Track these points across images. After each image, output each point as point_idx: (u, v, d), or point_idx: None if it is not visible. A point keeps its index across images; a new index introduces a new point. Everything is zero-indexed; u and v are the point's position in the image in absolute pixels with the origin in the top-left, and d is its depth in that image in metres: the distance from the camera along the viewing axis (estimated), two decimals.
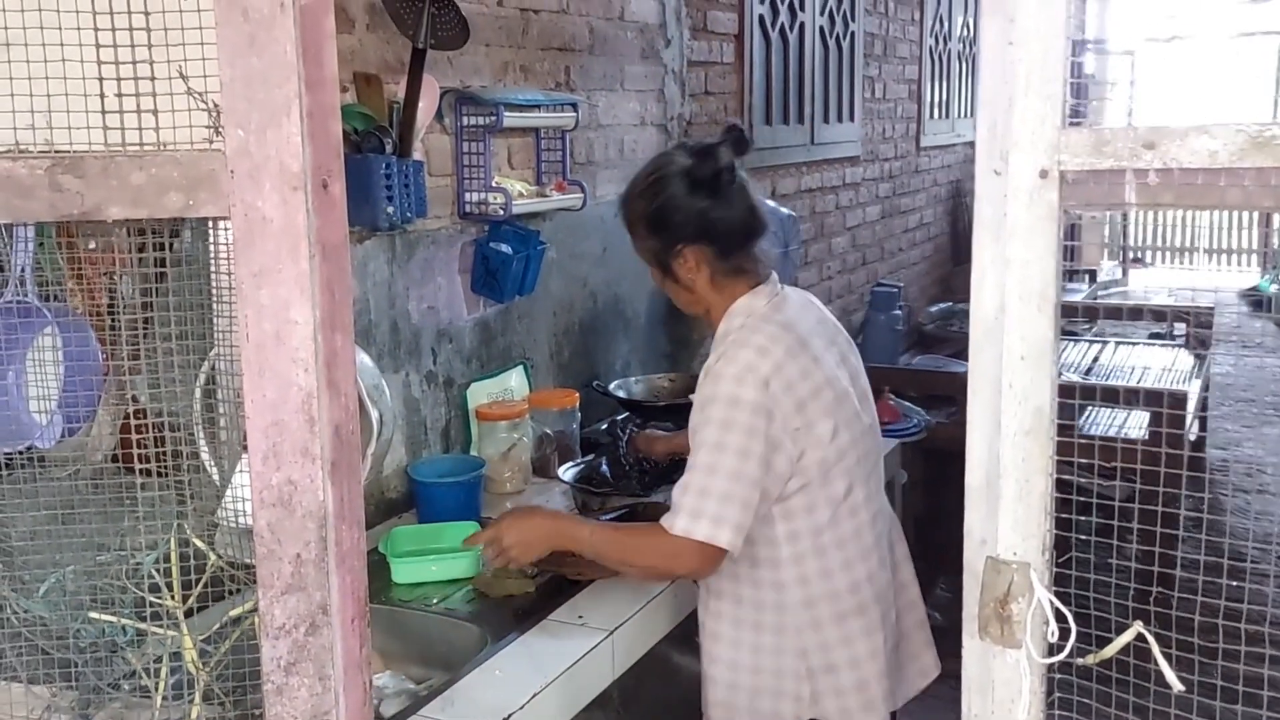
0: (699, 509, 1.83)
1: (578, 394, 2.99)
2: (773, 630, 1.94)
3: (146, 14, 1.17)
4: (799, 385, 1.88)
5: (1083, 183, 0.90)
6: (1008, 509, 0.99)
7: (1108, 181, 0.89)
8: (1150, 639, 0.99)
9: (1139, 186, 0.87)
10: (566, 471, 2.65)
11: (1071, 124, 0.90)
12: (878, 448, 2.10)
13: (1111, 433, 4.36)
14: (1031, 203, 0.92)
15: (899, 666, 2.06)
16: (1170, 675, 1.00)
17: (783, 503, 1.90)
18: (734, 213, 1.98)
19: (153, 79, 1.17)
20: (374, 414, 1.68)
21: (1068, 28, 0.89)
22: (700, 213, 1.96)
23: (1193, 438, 5.06)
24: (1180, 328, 5.82)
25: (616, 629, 2.00)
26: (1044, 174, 0.91)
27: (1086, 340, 5.60)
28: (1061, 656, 1.02)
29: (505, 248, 2.78)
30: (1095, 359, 5.29)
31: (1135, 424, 4.47)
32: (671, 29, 3.67)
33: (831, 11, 4.95)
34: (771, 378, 1.85)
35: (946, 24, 6.68)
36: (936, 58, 6.57)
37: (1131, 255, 12.38)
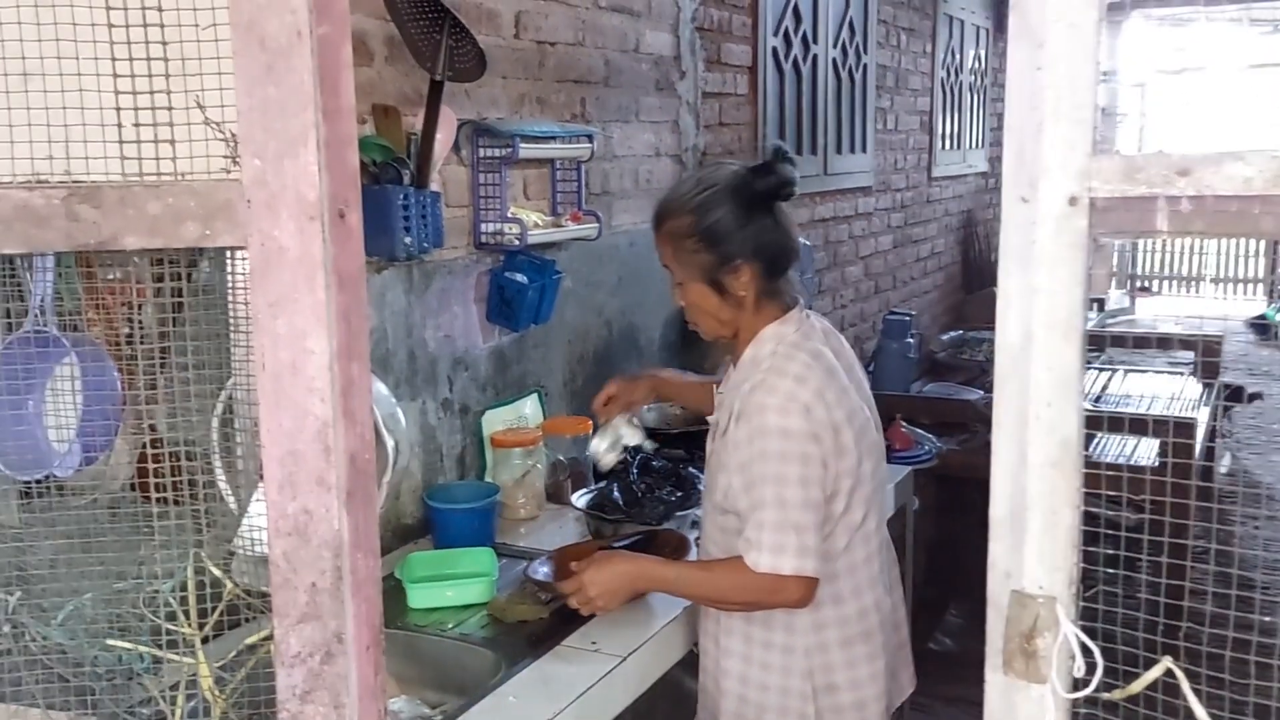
0: (781, 544, 1.85)
1: (591, 421, 2.98)
2: (781, 650, 1.96)
3: (164, 44, 1.17)
4: (835, 411, 1.90)
5: (1113, 210, 0.89)
6: (1033, 542, 0.97)
7: (1139, 209, 0.88)
8: (1179, 674, 0.97)
9: (1171, 214, 0.86)
10: (580, 498, 2.65)
11: (1100, 151, 0.89)
12: (886, 477, 2.15)
13: (1121, 461, 4.33)
14: (1059, 230, 0.91)
15: (892, 687, 2.09)
16: (1200, 712, 0.97)
17: None
18: (786, 233, 2.00)
19: (170, 109, 1.17)
20: (389, 443, 1.67)
21: (1097, 53, 0.88)
22: (760, 229, 1.96)
23: (1202, 464, 5.03)
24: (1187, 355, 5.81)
25: (630, 655, 1.99)
26: (1073, 201, 0.90)
27: (1095, 368, 5.58)
28: (1088, 692, 1.00)
29: (521, 277, 2.79)
30: (1104, 387, 5.26)
31: (1145, 452, 4.44)
32: (686, 61, 3.69)
33: (844, 44, 4.98)
34: (812, 404, 1.87)
35: (958, 56, 6.71)
36: (948, 90, 6.60)
37: (1139, 284, 12.37)
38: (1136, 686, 0.98)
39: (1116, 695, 1.01)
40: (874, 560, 2.02)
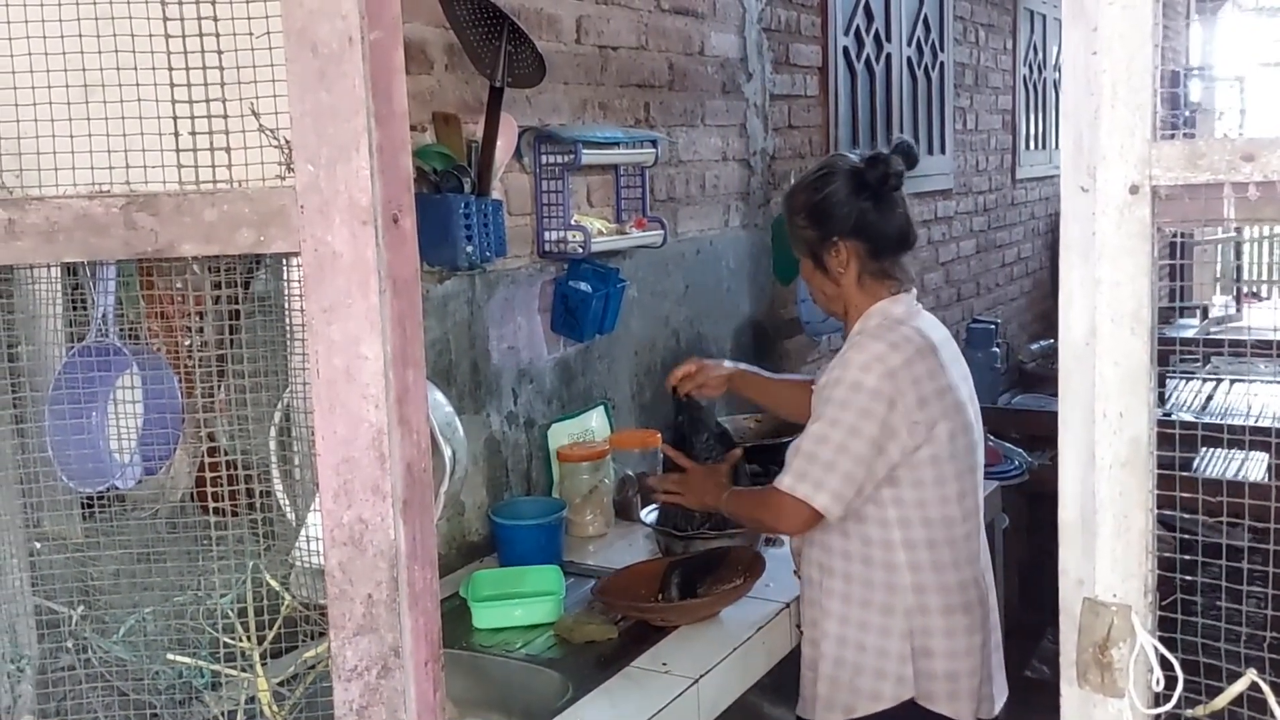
0: (804, 471, 1.98)
1: (660, 435, 2.95)
2: (881, 610, 2.02)
3: (219, 53, 1.18)
4: (925, 383, 2.00)
5: (1177, 198, 0.85)
6: (1105, 547, 0.92)
7: (1204, 196, 0.84)
8: (1266, 688, 0.92)
9: (1238, 201, 0.82)
10: (649, 514, 2.61)
11: (1164, 137, 0.85)
12: (983, 472, 2.19)
13: (1228, 475, 4.15)
14: (1122, 220, 0.87)
15: (988, 677, 2.10)
16: None
17: (894, 488, 2.00)
18: (892, 219, 2.12)
19: (225, 116, 1.18)
20: (447, 452, 1.66)
21: (1155, 34, 0.84)
22: (861, 212, 2.10)
23: None
24: None
25: (702, 677, 1.95)
26: (1135, 189, 0.86)
27: (1200, 378, 5.39)
28: (1168, 707, 0.95)
29: (585, 286, 2.77)
30: (1209, 398, 5.08)
31: (1254, 466, 4.26)
32: (753, 63, 3.65)
33: (919, 42, 4.89)
34: (900, 370, 1.97)
35: (1040, 52, 6.55)
36: (1031, 87, 6.44)
37: (1246, 289, 11.93)
38: (1221, 701, 0.93)
39: (1200, 711, 0.95)
40: (974, 539, 2.09)
